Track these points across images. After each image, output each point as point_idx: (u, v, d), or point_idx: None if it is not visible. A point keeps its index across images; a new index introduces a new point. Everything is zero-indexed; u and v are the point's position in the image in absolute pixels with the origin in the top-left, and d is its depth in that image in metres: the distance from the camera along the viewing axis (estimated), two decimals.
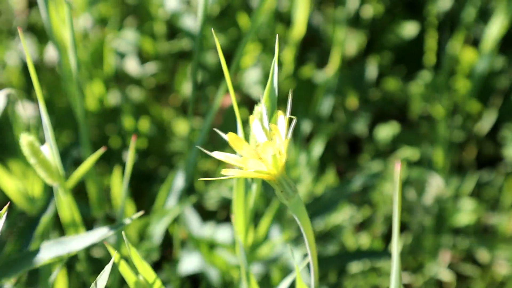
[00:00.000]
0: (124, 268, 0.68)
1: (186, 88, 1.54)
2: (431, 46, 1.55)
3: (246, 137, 0.70)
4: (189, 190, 1.22)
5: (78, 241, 0.71)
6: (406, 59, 1.62)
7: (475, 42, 1.58)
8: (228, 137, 0.63)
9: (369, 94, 1.56)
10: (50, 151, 0.75)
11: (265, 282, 1.05)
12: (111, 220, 1.13)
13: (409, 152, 1.49)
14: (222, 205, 1.34)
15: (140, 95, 1.51)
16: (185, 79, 1.54)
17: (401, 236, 1.36)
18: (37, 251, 0.72)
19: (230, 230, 1.17)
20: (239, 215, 0.70)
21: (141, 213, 0.70)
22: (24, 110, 1.45)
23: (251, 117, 0.64)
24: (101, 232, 0.71)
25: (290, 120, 0.64)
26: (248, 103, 1.54)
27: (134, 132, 1.40)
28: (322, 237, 1.27)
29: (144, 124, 1.46)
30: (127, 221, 0.70)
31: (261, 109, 0.65)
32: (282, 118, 0.63)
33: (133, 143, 0.80)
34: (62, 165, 1.06)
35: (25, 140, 0.73)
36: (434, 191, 1.41)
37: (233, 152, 0.67)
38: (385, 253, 1.17)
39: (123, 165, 1.38)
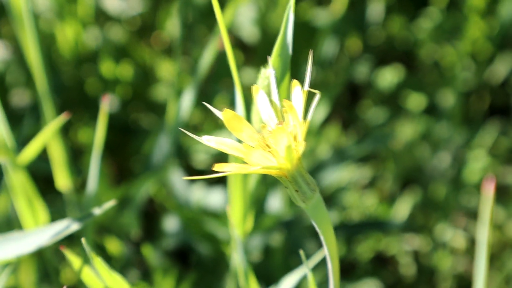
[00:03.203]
0: (88, 277, 0.54)
1: (170, 27, 1.39)
2: None
3: (246, 105, 0.56)
4: (175, 146, 1.08)
5: (32, 239, 0.55)
6: None
7: None
8: (223, 115, 0.46)
9: (373, 36, 1.42)
10: None
11: (264, 257, 0.93)
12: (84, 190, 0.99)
13: (415, 99, 1.36)
14: (213, 163, 1.20)
15: (120, 35, 1.37)
16: (169, 16, 1.39)
17: (410, 193, 1.24)
18: None
19: (222, 194, 1.04)
20: (236, 201, 0.57)
21: (113, 202, 0.56)
22: None
23: (255, 87, 0.47)
24: (61, 226, 0.56)
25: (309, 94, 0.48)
26: (240, 46, 1.40)
27: (113, 79, 1.26)
28: (324, 201, 1.14)
29: (125, 68, 1.32)
30: (96, 211, 0.55)
31: (269, 74, 0.48)
32: (298, 90, 0.44)
33: (104, 111, 0.65)
34: (27, 121, 0.92)
35: None
36: (446, 144, 1.29)
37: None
38: (392, 223, 1.05)
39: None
